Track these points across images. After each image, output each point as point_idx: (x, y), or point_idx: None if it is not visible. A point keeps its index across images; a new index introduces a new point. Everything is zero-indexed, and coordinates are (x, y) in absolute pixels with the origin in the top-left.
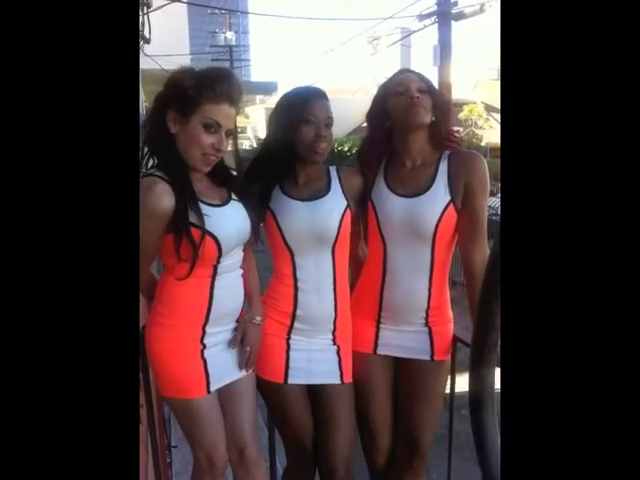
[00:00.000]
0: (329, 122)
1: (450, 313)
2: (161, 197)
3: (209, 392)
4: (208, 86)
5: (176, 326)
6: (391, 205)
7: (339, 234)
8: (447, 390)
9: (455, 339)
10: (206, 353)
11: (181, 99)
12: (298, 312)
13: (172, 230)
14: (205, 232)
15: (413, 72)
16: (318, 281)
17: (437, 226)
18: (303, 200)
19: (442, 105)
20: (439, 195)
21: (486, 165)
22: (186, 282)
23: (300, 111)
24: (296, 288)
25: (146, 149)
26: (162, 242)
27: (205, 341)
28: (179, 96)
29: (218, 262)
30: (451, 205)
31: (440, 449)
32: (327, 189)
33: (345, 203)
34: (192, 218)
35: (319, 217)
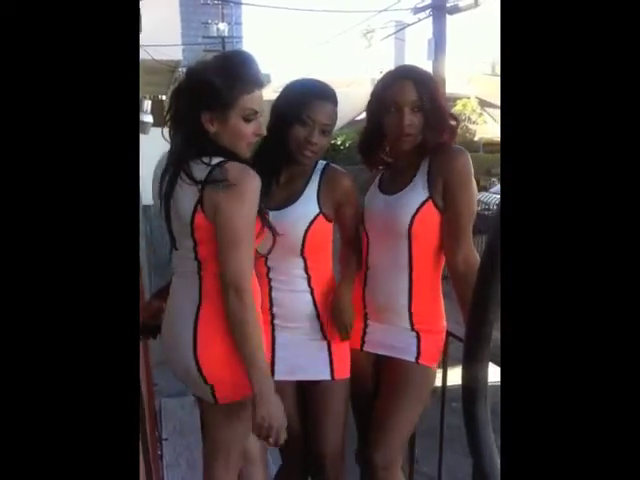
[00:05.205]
0: (326, 128)
1: (443, 324)
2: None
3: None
4: (238, 78)
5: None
6: (375, 202)
7: (306, 242)
8: (438, 383)
9: (447, 333)
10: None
11: (216, 99)
12: (275, 310)
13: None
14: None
15: (411, 75)
16: (291, 281)
17: (412, 222)
18: (269, 209)
19: (435, 121)
20: (416, 192)
21: (467, 161)
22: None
23: (298, 108)
24: (270, 287)
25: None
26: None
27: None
28: (213, 96)
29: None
30: (429, 202)
31: (431, 442)
32: (300, 193)
33: (316, 210)
34: None
35: (281, 228)
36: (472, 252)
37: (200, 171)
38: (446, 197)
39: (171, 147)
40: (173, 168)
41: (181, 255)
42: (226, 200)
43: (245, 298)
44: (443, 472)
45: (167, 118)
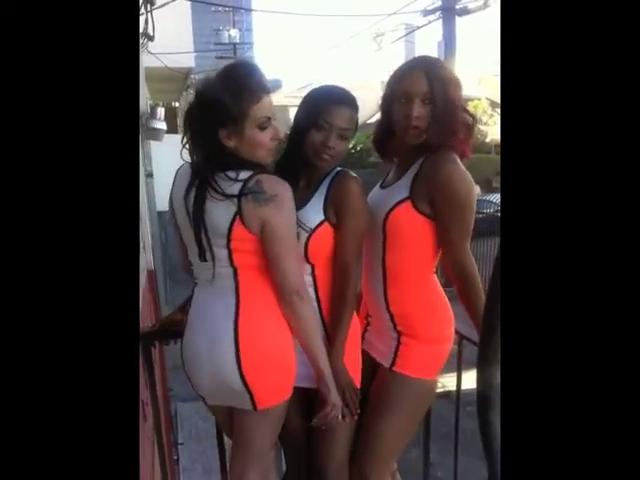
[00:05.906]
0: (344, 133)
1: (443, 333)
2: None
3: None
4: (244, 89)
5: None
6: (372, 195)
7: (309, 248)
8: (452, 387)
9: (459, 336)
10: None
11: (227, 115)
12: None
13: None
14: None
15: (424, 66)
16: None
17: (386, 218)
18: None
19: (443, 116)
20: (398, 190)
21: (453, 172)
22: None
23: (315, 113)
24: None
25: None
26: None
27: None
28: (224, 113)
29: None
30: (408, 203)
31: (446, 446)
32: (309, 199)
33: (321, 217)
34: None
35: None
36: (465, 257)
37: (229, 186)
38: (432, 206)
39: (192, 164)
40: (199, 183)
41: (212, 265)
42: (271, 213)
43: (307, 299)
44: (458, 476)
45: (184, 141)
